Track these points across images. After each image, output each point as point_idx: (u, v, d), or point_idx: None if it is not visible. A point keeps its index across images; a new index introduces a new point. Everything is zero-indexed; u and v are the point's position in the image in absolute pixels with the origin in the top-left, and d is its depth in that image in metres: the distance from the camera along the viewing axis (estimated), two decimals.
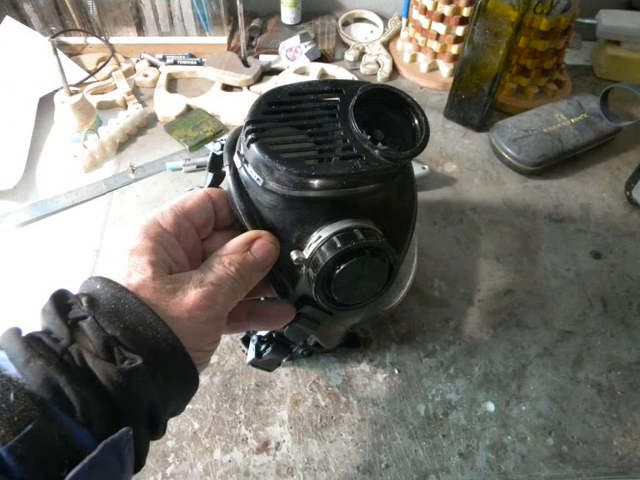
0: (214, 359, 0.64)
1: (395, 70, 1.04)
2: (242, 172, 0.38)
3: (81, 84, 0.93)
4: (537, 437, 0.59)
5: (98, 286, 0.32)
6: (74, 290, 0.33)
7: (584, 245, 0.77)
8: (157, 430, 0.32)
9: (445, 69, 1.00)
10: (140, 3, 0.98)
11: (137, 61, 1.01)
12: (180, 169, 0.83)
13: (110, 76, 0.96)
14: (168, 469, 0.56)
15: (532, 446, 0.58)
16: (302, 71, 1.01)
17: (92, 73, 0.95)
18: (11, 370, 0.27)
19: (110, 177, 0.83)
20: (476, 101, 0.88)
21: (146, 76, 0.96)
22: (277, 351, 0.54)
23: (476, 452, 0.58)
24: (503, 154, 0.85)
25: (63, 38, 1.01)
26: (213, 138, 0.86)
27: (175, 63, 0.99)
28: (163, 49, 1.02)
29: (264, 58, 1.02)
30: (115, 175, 0.83)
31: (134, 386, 0.29)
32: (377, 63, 1.03)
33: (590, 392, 0.63)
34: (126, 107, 0.92)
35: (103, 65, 0.97)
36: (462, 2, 0.90)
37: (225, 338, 0.66)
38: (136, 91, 0.95)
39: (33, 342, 0.29)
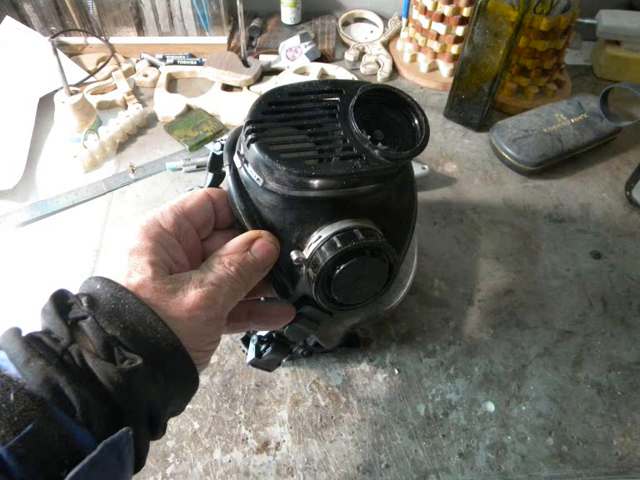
0: (214, 359, 0.64)
1: (395, 70, 1.04)
2: (242, 172, 0.38)
3: (81, 84, 0.94)
4: (537, 437, 0.59)
5: (98, 286, 0.32)
6: (74, 290, 0.33)
7: (584, 245, 0.77)
8: (157, 430, 0.32)
9: (445, 69, 1.00)
10: (140, 3, 0.98)
11: (137, 61, 1.01)
12: (180, 169, 0.83)
13: (110, 76, 0.96)
14: (168, 469, 0.56)
15: (532, 446, 0.58)
16: (302, 71, 1.01)
17: (92, 73, 0.95)
18: (11, 370, 0.27)
19: (110, 177, 0.83)
20: (476, 101, 0.88)
21: (146, 76, 0.96)
22: (277, 351, 0.54)
23: (476, 452, 0.58)
24: (503, 154, 0.85)
25: (63, 38, 1.01)
26: (213, 138, 0.86)
27: (175, 63, 0.99)
28: (163, 49, 1.02)
29: (264, 58, 1.02)
30: (115, 175, 0.83)
31: (134, 386, 0.29)
32: (377, 63, 1.03)
33: (590, 392, 0.63)
34: (126, 107, 0.92)
35: (103, 65, 0.97)
36: (462, 2, 0.90)
37: (225, 338, 0.66)
38: (136, 91, 0.95)
39: (33, 342, 0.29)
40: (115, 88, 0.95)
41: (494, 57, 0.81)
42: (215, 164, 0.47)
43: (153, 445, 0.57)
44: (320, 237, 0.37)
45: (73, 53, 1.01)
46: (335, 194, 0.36)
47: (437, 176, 0.85)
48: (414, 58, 1.03)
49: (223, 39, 1.03)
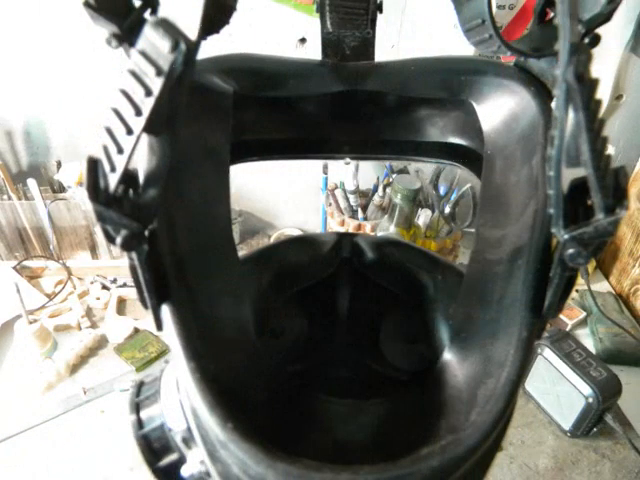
0: None
1: None
2: None
3: (41, 308, 1.04)
4: None
5: None
6: None
7: None
8: None
9: None
10: (93, 229, 1.12)
11: (91, 282, 1.13)
12: (127, 390, 0.92)
13: (66, 299, 1.08)
14: None
15: None
16: None
17: (51, 298, 1.07)
18: None
19: (63, 400, 0.90)
20: None
21: (98, 299, 1.08)
22: None
23: None
24: None
25: (25, 262, 1.13)
26: (157, 358, 0.96)
27: (124, 285, 1.11)
28: (114, 272, 1.14)
29: None
30: (68, 397, 0.91)
31: None
32: None
33: None
34: (80, 328, 1.03)
35: (62, 289, 1.08)
36: None
37: None
38: (89, 312, 1.06)
39: None
40: (70, 310, 1.06)
41: None
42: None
43: None
44: None
45: (34, 276, 1.13)
46: None
47: None
48: None
49: None
